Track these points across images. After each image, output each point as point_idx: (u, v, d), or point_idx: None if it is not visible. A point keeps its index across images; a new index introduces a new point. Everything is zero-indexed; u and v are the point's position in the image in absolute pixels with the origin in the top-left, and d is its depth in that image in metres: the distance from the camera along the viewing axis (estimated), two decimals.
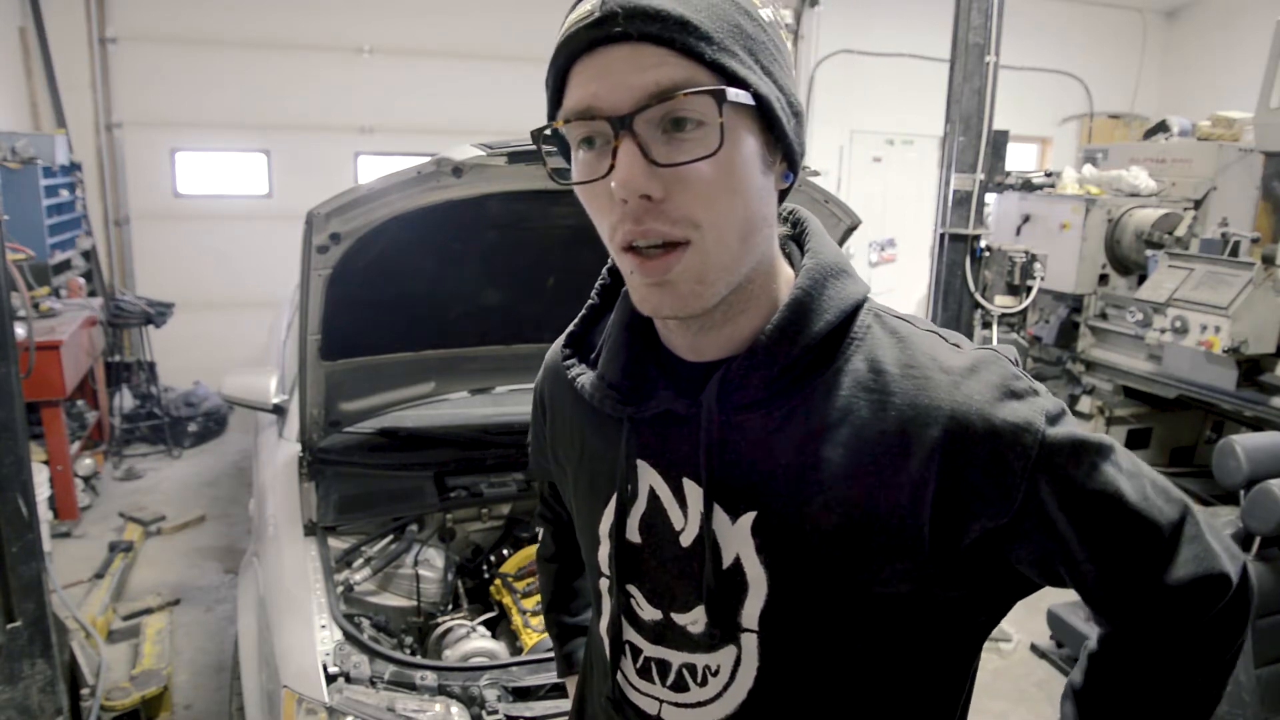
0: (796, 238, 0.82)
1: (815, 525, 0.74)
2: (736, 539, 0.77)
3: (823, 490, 0.73)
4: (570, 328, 0.91)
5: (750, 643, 0.77)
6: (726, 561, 0.77)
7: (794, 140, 0.73)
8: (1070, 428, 0.73)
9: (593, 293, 0.91)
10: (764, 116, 0.70)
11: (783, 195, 0.77)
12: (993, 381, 0.72)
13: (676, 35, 0.65)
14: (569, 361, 0.88)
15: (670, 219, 0.68)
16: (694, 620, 0.80)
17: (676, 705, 0.83)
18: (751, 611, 0.77)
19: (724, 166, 0.68)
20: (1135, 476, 0.75)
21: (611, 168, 0.67)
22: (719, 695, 0.80)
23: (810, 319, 0.74)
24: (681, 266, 0.69)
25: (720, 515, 0.77)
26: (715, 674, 0.80)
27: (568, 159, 0.75)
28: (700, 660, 0.81)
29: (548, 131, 0.73)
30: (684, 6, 0.65)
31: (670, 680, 0.83)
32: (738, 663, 0.78)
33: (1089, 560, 0.74)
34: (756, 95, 0.68)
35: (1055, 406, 0.74)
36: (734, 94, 0.66)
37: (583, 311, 0.90)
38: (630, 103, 0.66)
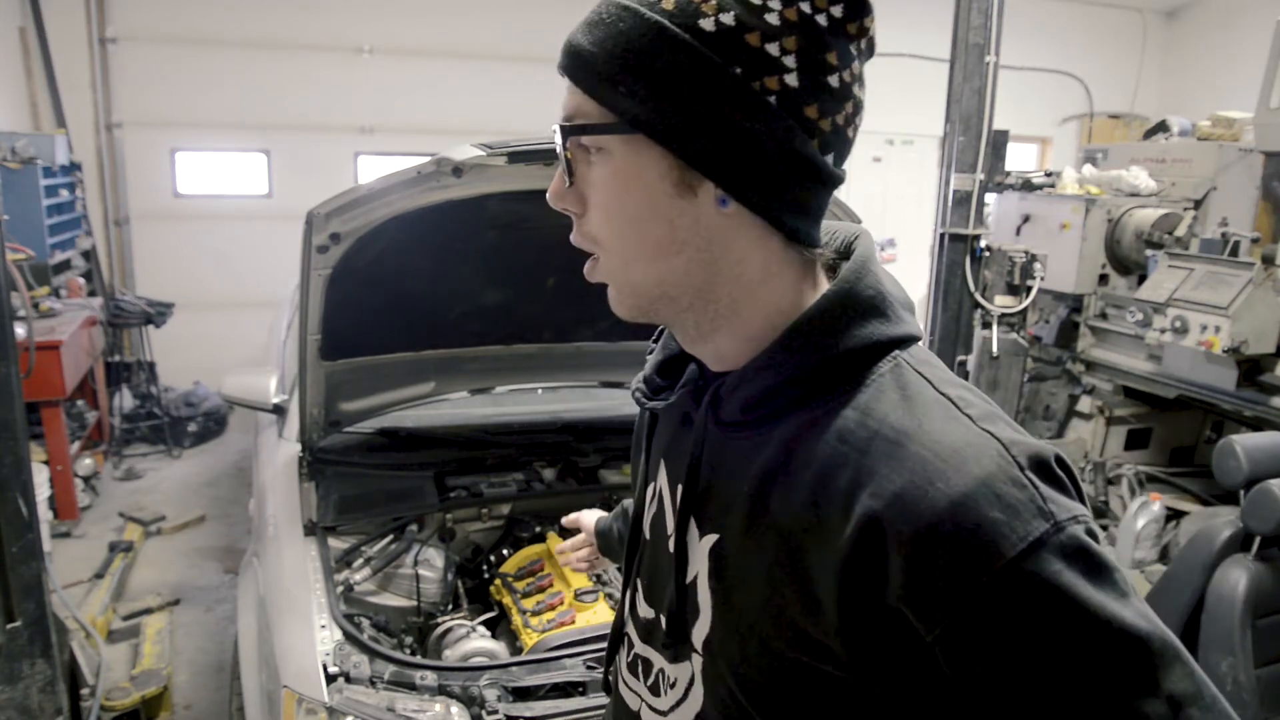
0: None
1: (755, 567, 0.70)
2: (699, 558, 0.76)
3: (768, 533, 0.69)
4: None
5: (699, 665, 0.76)
6: (689, 576, 0.77)
7: (711, 164, 0.67)
8: (1064, 574, 0.57)
9: None
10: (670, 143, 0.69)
11: (787, 222, 0.71)
12: (974, 474, 0.60)
13: (575, 69, 0.70)
14: (650, 355, 0.92)
15: (582, 233, 0.76)
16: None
17: (651, 709, 0.83)
18: (699, 634, 0.76)
19: (611, 192, 0.71)
20: (1157, 698, 0.57)
21: None
22: (674, 708, 0.80)
23: (806, 350, 0.70)
24: (598, 272, 0.76)
25: (693, 530, 0.77)
26: (673, 686, 0.80)
27: None
28: (667, 668, 0.81)
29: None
30: (588, 38, 0.69)
31: (650, 681, 0.84)
32: (691, 681, 0.78)
33: None
34: (636, 123, 0.67)
35: (1065, 540, 0.58)
36: (598, 128, 0.70)
37: None
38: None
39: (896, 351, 0.70)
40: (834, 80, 0.67)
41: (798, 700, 0.69)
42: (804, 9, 0.66)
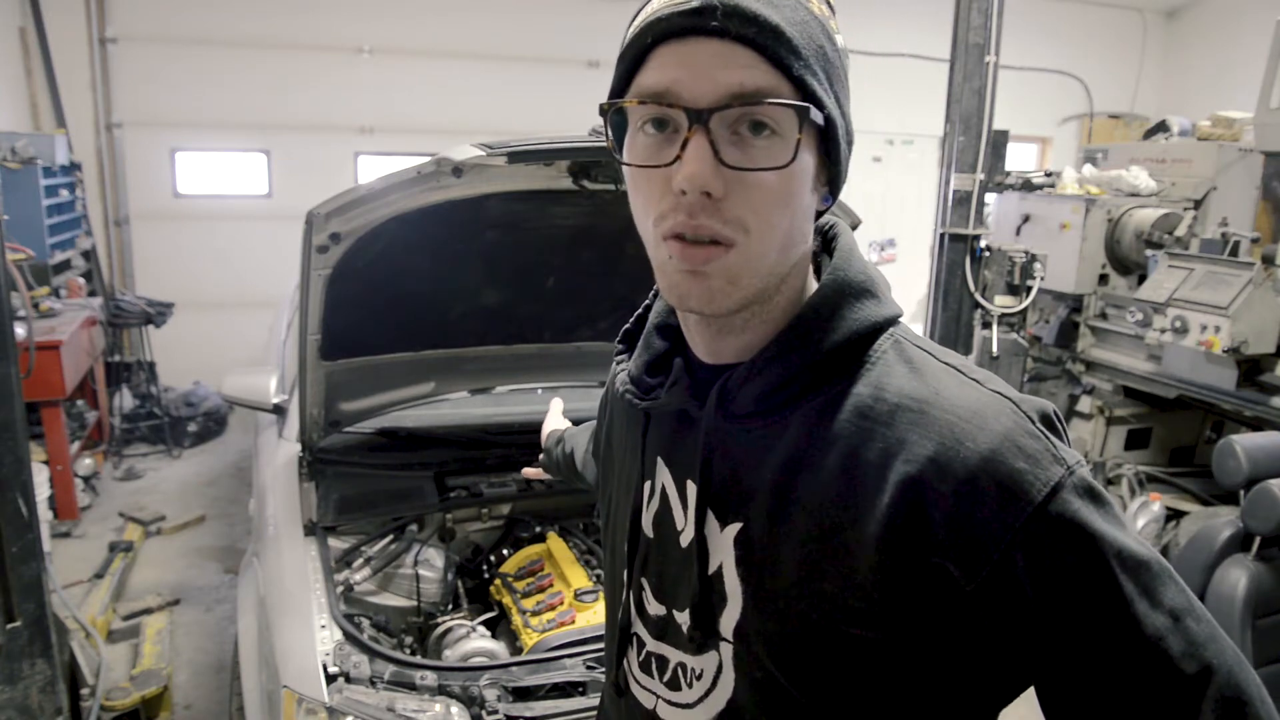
0: (829, 251, 0.81)
1: (786, 548, 0.72)
2: (722, 548, 0.77)
3: (797, 514, 0.72)
4: (626, 325, 0.93)
5: (729, 652, 0.77)
6: (711, 568, 0.78)
7: (844, 166, 0.74)
8: (1082, 511, 0.64)
9: (650, 294, 0.91)
10: (825, 139, 0.72)
11: (817, 216, 0.78)
12: (997, 430, 0.66)
13: (769, 43, 0.65)
14: (619, 356, 0.91)
15: (724, 218, 0.68)
16: (686, 621, 0.81)
17: (670, 704, 0.84)
18: (728, 622, 0.77)
19: (785, 179, 0.68)
20: (1160, 610, 0.64)
21: (678, 159, 0.67)
22: (702, 700, 0.80)
23: (814, 337, 0.73)
24: (720, 263, 0.69)
25: (712, 521, 0.78)
26: (699, 678, 0.80)
27: (619, 138, 0.75)
28: (690, 661, 0.81)
29: (606, 106, 0.73)
30: (780, 16, 0.66)
31: (667, 677, 0.84)
32: (719, 670, 0.78)
33: (1061, 681, 0.65)
34: (828, 118, 0.70)
35: (1077, 481, 0.65)
36: (814, 113, 0.68)
37: (638, 310, 0.92)
38: (712, 98, 0.66)
39: (892, 329, 0.76)
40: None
41: (840, 670, 0.71)
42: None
